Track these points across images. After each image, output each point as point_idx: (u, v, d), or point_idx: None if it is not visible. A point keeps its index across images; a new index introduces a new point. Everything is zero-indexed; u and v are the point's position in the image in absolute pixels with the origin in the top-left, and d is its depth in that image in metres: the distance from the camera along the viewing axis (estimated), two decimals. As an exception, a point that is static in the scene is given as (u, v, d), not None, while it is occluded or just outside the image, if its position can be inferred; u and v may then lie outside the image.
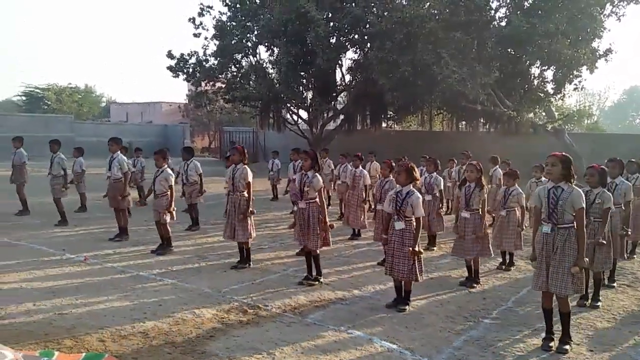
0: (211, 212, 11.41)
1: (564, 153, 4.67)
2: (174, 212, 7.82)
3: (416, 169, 5.73)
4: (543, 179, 8.83)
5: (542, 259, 4.56)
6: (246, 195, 6.99)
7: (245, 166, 7.03)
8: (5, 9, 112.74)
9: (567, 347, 4.54)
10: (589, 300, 5.82)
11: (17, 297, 5.54)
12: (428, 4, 19.85)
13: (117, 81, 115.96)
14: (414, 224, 5.49)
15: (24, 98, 49.45)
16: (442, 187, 8.81)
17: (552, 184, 4.58)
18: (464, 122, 26.29)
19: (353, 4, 21.50)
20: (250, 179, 6.99)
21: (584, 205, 4.46)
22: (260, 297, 5.81)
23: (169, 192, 7.75)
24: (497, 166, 10.96)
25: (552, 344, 4.61)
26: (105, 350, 4.27)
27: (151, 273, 6.72)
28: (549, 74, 20.98)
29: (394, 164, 7.49)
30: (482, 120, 24.30)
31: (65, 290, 5.86)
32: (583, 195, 4.50)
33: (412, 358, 4.40)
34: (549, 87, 21.18)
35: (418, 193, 5.57)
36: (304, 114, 26.29)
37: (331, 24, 22.23)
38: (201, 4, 24.00)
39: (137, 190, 12.54)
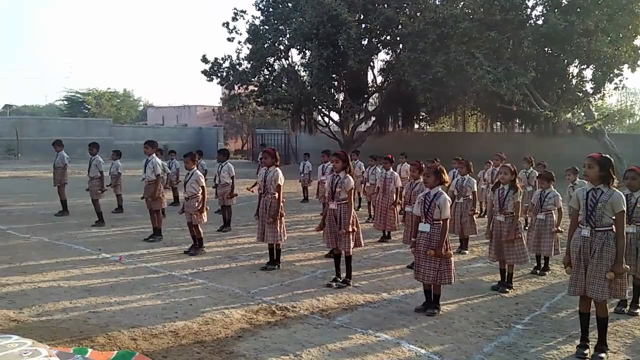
0: (242, 213, 11.54)
1: (601, 154, 4.52)
2: (204, 214, 7.93)
3: (445, 171, 5.65)
4: (577, 181, 8.59)
5: (579, 263, 4.42)
6: (276, 197, 7.02)
7: (277, 169, 7.07)
8: (49, 20, 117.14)
9: (603, 355, 4.38)
10: (628, 307, 5.61)
11: (54, 295, 5.74)
12: (462, 3, 19.58)
13: (154, 85, 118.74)
14: (442, 226, 5.41)
15: (65, 102, 51.32)
16: (475, 189, 8.65)
17: (591, 185, 4.44)
18: (498, 123, 25.79)
19: (385, 5, 21.41)
20: (281, 181, 7.02)
21: (625, 208, 4.31)
22: (289, 299, 5.84)
23: (200, 194, 7.88)
24: (532, 167, 10.71)
25: (587, 351, 4.46)
26: (136, 348, 4.37)
27: (183, 273, 6.84)
28: (588, 73, 20.38)
29: (423, 166, 7.40)
30: (517, 121, 23.82)
31: (100, 289, 6.03)
32: (624, 198, 4.35)
33: (440, 363, 4.33)
34: (588, 87, 20.56)
35: (446, 195, 5.49)
36: (335, 116, 26.35)
37: (363, 25, 22.21)
38: (235, 8, 24.48)
39: (172, 192, 12.79)
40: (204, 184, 8.02)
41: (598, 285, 4.30)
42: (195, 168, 8.14)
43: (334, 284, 6.34)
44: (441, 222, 5.39)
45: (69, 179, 11.55)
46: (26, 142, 27.59)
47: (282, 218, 7.09)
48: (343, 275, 6.45)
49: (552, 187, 7.21)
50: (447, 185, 5.73)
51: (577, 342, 4.59)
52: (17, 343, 3.27)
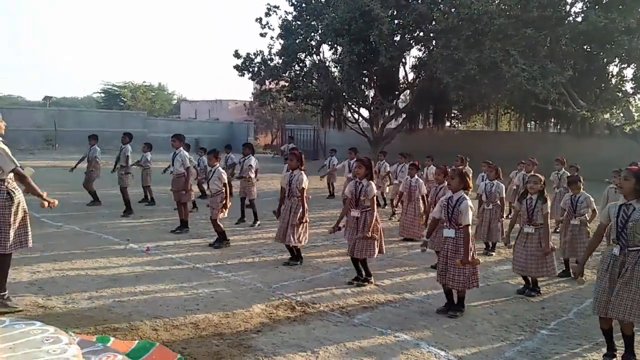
0: (269, 208, 11.56)
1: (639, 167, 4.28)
2: (225, 211, 7.99)
3: (470, 176, 5.53)
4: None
5: (605, 282, 4.22)
6: (302, 200, 7.02)
7: (302, 172, 7.07)
8: (90, 15, 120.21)
9: None
10: None
11: (82, 284, 5.90)
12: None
13: (188, 79, 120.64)
14: (469, 232, 5.30)
15: (102, 95, 52.63)
16: (503, 195, 8.45)
17: (623, 200, 4.22)
18: (532, 123, 25.17)
19: (419, 1, 21.17)
20: (305, 185, 7.01)
21: None
22: (309, 295, 5.84)
23: (223, 190, 7.97)
24: (564, 168, 10.41)
25: None
26: (157, 338, 4.44)
27: (207, 265, 6.93)
28: (629, 72, 19.67)
29: (448, 170, 7.27)
30: (552, 121, 23.21)
31: (126, 279, 6.16)
32: None
33: (460, 366, 4.26)
34: (628, 87, 19.85)
35: (469, 201, 5.35)
36: (365, 112, 26.22)
37: (395, 21, 21.97)
38: (268, 4, 24.50)
39: (198, 186, 12.96)
40: (226, 181, 8.10)
41: (624, 307, 4.08)
42: (218, 165, 8.22)
43: (355, 282, 6.31)
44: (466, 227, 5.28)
45: (102, 170, 11.81)
46: (64, 133, 28.38)
47: (306, 223, 7.08)
48: (364, 274, 6.41)
49: (582, 189, 6.98)
50: (470, 189, 5.59)
51: (604, 350, 4.44)
52: (40, 330, 3.36)
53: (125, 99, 48.46)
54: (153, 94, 52.14)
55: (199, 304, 5.40)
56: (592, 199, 7.01)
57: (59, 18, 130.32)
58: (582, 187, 7.01)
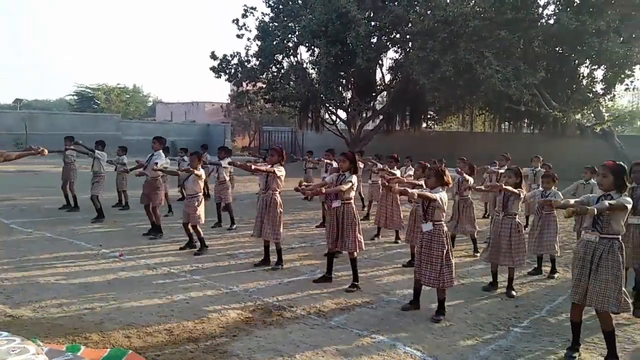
0: (245, 211, 11.51)
1: (616, 162, 4.43)
2: (202, 215, 7.90)
3: (447, 173, 5.58)
4: (592, 180, 8.52)
5: (582, 270, 4.34)
6: (278, 194, 7.05)
7: (281, 167, 7.12)
8: (61, 15, 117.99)
9: None
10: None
11: (52, 291, 5.75)
12: (472, 2, 19.39)
13: (163, 81, 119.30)
14: (444, 228, 5.35)
15: (75, 97, 51.65)
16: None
17: (601, 192, 4.40)
18: (506, 123, 25.58)
19: (395, 3, 21.32)
20: (280, 174, 7.03)
21: (629, 206, 4.20)
22: (286, 298, 5.80)
23: (200, 194, 7.89)
24: (540, 166, 10.66)
25: (575, 354, 4.42)
26: (130, 346, 4.36)
27: (182, 270, 6.83)
28: (599, 74, 20.13)
29: (428, 166, 7.33)
30: (526, 122, 23.62)
31: (97, 286, 6.03)
32: (631, 202, 4.27)
33: (435, 366, 4.28)
34: (599, 87, 20.31)
35: (444, 194, 5.39)
36: (342, 114, 26.29)
37: (372, 23, 22.10)
38: (245, 5, 24.43)
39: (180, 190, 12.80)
40: (202, 184, 8.04)
41: (601, 295, 4.20)
42: (200, 167, 8.12)
43: (321, 281, 6.42)
44: (441, 222, 5.33)
45: (76, 174, 11.57)
46: (35, 137, 27.65)
47: (282, 216, 7.09)
48: (345, 275, 6.41)
49: (555, 188, 7.12)
50: (449, 186, 5.64)
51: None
52: (6, 340, 3.25)
53: (99, 102, 47.65)
54: (128, 96, 51.37)
55: (173, 309, 5.32)
56: (561, 196, 7.15)
57: (31, 19, 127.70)
58: (555, 185, 7.14)
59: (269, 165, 7.19)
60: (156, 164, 8.70)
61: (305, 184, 6.78)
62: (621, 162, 4.44)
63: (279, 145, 7.76)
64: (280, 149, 7.32)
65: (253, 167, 7.12)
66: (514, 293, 6.23)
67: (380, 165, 10.46)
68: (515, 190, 6.07)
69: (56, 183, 11.53)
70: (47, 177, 11.50)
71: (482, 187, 7.54)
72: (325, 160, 11.50)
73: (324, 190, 6.29)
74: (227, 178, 10.21)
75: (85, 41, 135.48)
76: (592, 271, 4.27)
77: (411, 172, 10.32)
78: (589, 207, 4.12)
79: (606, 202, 4.19)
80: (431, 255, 5.29)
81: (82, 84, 51.29)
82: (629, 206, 4.19)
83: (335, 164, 10.19)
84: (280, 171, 7.07)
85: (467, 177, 7.89)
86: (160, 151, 9.04)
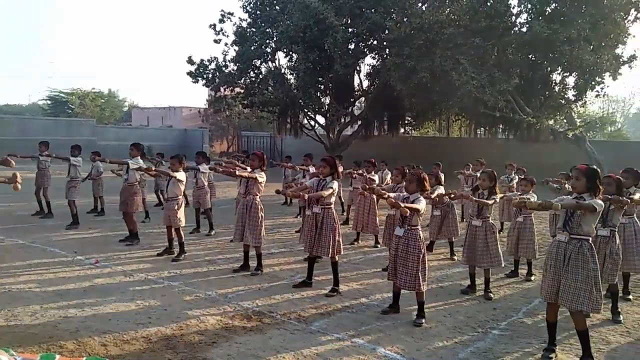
0: (224, 216, 11.42)
1: (589, 165, 4.55)
2: (182, 218, 7.83)
3: (427, 179, 5.63)
4: (567, 186, 8.70)
5: (554, 270, 4.44)
6: (258, 198, 7.05)
7: (263, 172, 7.13)
8: (33, 18, 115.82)
9: None
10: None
11: (25, 299, 5.61)
12: (448, 9, 19.69)
13: (139, 86, 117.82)
14: (420, 233, 5.39)
15: (49, 102, 50.59)
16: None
17: (575, 195, 4.51)
18: (482, 129, 25.98)
19: (372, 10, 21.44)
20: (261, 180, 7.05)
21: (598, 209, 4.29)
22: (266, 304, 5.77)
23: (180, 197, 7.82)
24: (514, 172, 10.93)
25: (552, 355, 4.50)
26: (106, 354, 4.28)
27: (159, 277, 6.74)
28: (571, 81, 20.63)
29: (407, 171, 7.39)
30: (500, 127, 24.01)
31: (73, 293, 5.91)
32: (602, 205, 4.38)
33: (415, 369, 4.30)
34: (570, 94, 20.80)
35: (423, 201, 5.45)
36: (321, 119, 26.32)
37: (350, 30, 22.21)
38: (222, 10, 24.31)
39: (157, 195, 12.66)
40: (183, 188, 7.97)
41: (572, 294, 4.30)
42: (181, 170, 8.05)
43: (300, 286, 6.44)
44: (419, 227, 5.39)
45: (50, 180, 11.32)
46: (7, 142, 26.99)
47: (262, 221, 7.06)
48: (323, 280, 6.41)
49: (532, 192, 7.26)
50: (428, 192, 5.71)
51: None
52: (-23, 349, 3.16)
53: (73, 106, 46.70)
54: (103, 100, 50.49)
55: (150, 316, 5.24)
56: (536, 198, 7.28)
57: (1, 21, 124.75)
58: (532, 188, 7.29)
59: (250, 169, 7.18)
60: (140, 168, 8.59)
61: (285, 188, 6.80)
62: (594, 166, 4.56)
63: (259, 150, 7.73)
64: (261, 154, 7.32)
65: (237, 172, 7.11)
66: (491, 295, 6.32)
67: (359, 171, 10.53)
68: (488, 202, 6.19)
69: (29, 189, 11.23)
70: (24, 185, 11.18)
71: (456, 193, 7.57)
72: (300, 167, 11.39)
73: (306, 196, 6.28)
74: (206, 183, 10.15)
75: (59, 45, 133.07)
76: (563, 271, 4.37)
77: (388, 177, 10.42)
78: (553, 201, 4.22)
79: (573, 200, 4.31)
80: (407, 259, 5.33)
81: (56, 89, 50.31)
82: (599, 209, 4.29)
83: (312, 169, 10.18)
84: (262, 177, 7.07)
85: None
86: (138, 157, 8.91)
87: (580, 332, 4.42)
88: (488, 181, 6.34)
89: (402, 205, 5.13)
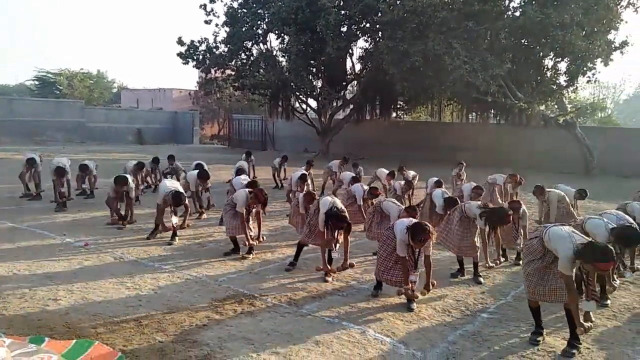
0: (215, 200, 11.35)
1: None
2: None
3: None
4: (547, 197, 8.78)
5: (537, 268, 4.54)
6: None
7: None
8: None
9: (575, 351, 4.38)
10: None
11: (13, 282, 5.58)
12: (441, -8, 19.51)
13: (128, 67, 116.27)
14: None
15: (36, 83, 49.78)
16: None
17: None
18: (474, 114, 25.97)
19: (364, -8, 21.22)
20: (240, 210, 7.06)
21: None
22: (257, 287, 5.78)
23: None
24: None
25: (540, 338, 4.58)
26: (97, 337, 4.27)
27: (150, 260, 6.72)
28: (562, 66, 20.60)
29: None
30: (492, 112, 24.00)
31: (62, 276, 5.88)
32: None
33: (405, 351, 4.34)
34: (562, 79, 20.79)
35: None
36: (313, 102, 26.18)
37: (342, 12, 22.00)
38: (213, -10, 23.88)
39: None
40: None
41: (559, 290, 4.41)
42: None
43: (291, 268, 6.54)
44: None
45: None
46: (-5, 123, 26.69)
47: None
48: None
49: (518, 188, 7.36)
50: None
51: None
52: (-35, 332, 3.13)
53: (61, 87, 45.99)
54: (91, 81, 49.71)
55: (141, 300, 5.23)
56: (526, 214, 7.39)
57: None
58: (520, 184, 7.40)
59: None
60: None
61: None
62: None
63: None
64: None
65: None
66: (481, 280, 6.38)
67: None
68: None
69: (16, 171, 11.11)
70: (6, 165, 11.05)
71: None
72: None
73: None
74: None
75: (46, 24, 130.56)
76: (550, 269, 4.43)
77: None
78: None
79: None
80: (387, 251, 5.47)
81: (43, 69, 49.55)
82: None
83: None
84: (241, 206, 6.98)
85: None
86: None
87: (569, 309, 4.38)
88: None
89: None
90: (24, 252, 6.81)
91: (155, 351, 4.08)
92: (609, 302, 5.69)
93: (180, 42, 23.91)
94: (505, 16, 19.31)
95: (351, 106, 26.64)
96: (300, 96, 25.81)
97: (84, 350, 3.82)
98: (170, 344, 4.24)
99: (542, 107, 21.62)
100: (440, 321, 5.04)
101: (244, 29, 23.16)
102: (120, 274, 6.02)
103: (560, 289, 4.37)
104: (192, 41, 24.04)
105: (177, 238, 7.73)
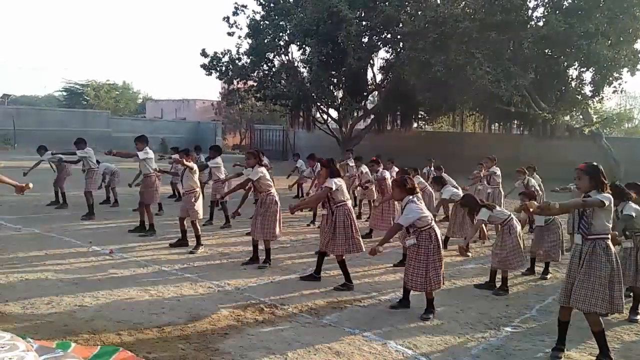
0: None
1: (587, 163, 4.43)
2: (200, 210, 7.91)
3: (409, 181, 5.55)
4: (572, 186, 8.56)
5: (569, 272, 4.38)
6: (272, 192, 7.07)
7: (259, 168, 7.05)
8: (50, 9, 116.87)
9: None
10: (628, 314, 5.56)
11: (41, 288, 5.70)
12: (463, 3, 19.50)
13: (153, 78, 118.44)
14: (430, 233, 5.36)
15: (64, 93, 51.08)
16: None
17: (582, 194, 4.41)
18: (496, 124, 25.75)
19: (386, 3, 21.31)
20: (253, 177, 6.99)
21: (607, 202, 4.16)
22: (278, 296, 5.80)
23: (197, 189, 7.89)
24: (527, 176, 10.52)
25: (561, 355, 4.47)
26: (120, 343, 4.33)
27: (173, 268, 6.80)
28: (588, 76, 20.36)
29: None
30: (515, 122, 23.79)
31: (88, 283, 5.99)
32: (611, 199, 4.24)
33: (427, 364, 4.30)
34: (587, 89, 20.52)
35: (415, 202, 5.42)
36: (334, 113, 26.28)
37: (363, 23, 22.13)
38: (236, 3, 24.29)
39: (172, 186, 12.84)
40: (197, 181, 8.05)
41: (584, 296, 4.22)
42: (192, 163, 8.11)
43: (306, 280, 6.49)
44: (421, 230, 5.35)
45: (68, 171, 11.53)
46: (23, 133, 27.41)
47: (276, 215, 7.05)
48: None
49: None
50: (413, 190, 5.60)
51: (567, 346, 4.56)
52: (-5, 336, 3.22)
53: (88, 98, 47.10)
54: (117, 92, 50.86)
55: (164, 307, 5.29)
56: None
57: (18, 15, 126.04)
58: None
59: (248, 168, 7.15)
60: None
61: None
62: (594, 163, 4.42)
63: (254, 148, 7.72)
64: (256, 152, 7.28)
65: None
66: (502, 293, 6.26)
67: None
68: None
69: (43, 179, 11.37)
70: (34, 174, 11.30)
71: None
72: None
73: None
74: (222, 176, 10.08)
75: (75, 37, 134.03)
76: (577, 273, 4.29)
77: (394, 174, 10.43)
78: (551, 203, 4.15)
79: (579, 199, 4.25)
80: (418, 259, 5.32)
81: (71, 80, 50.82)
82: (608, 202, 4.15)
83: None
84: (257, 174, 6.96)
85: None
86: (147, 148, 8.95)
87: (596, 332, 4.35)
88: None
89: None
90: (52, 259, 6.96)
91: (178, 358, 4.12)
92: (638, 317, 5.54)
93: (203, 53, 24.30)
94: (529, 26, 19.19)
95: (372, 116, 26.66)
96: (321, 106, 25.94)
97: (109, 356, 3.89)
98: (192, 351, 4.27)
99: (567, 118, 21.36)
100: (463, 334, 4.98)
101: (266, 41, 23.44)
102: (143, 282, 6.11)
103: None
104: (216, 53, 24.42)
105: (201, 247, 7.80)
